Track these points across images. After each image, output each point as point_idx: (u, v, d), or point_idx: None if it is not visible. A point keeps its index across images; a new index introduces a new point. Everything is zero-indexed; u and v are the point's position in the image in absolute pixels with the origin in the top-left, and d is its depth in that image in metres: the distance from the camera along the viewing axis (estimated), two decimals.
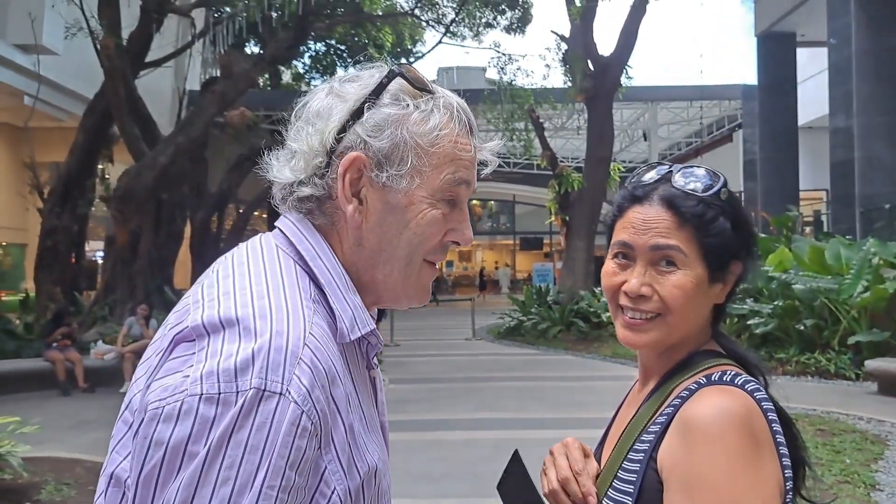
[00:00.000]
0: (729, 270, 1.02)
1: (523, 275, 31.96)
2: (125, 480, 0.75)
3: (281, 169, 0.88)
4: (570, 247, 15.54)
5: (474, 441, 6.19)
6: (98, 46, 11.64)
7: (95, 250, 21.27)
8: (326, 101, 0.88)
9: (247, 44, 16.78)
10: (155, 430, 0.69)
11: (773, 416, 0.91)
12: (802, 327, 9.34)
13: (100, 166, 14.44)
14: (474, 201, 32.63)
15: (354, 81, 0.89)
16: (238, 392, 0.68)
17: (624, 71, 15.65)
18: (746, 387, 0.93)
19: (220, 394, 0.68)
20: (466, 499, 4.74)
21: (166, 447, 0.68)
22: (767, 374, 1.03)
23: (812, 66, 21.04)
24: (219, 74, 12.75)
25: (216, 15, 14.14)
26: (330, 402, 0.74)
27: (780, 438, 0.90)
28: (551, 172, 16.23)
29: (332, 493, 0.74)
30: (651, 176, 1.05)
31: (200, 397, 0.68)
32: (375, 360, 0.94)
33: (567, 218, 15.66)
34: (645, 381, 1.08)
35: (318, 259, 0.85)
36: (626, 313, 1.01)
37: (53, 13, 13.96)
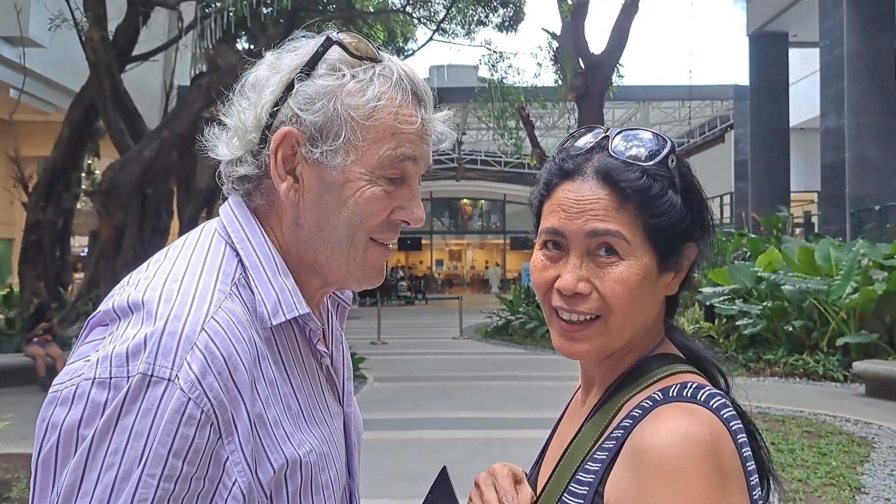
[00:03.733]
0: (682, 255, 0.85)
1: (514, 274, 31.92)
2: None
3: (220, 147, 0.85)
4: None
5: (455, 441, 6.11)
6: (83, 39, 11.50)
7: (82, 246, 21.08)
8: (263, 73, 0.84)
9: (237, 39, 16.64)
10: (52, 413, 0.68)
11: (742, 437, 0.77)
12: (791, 328, 9.32)
13: (86, 161, 14.30)
14: (464, 200, 32.61)
15: (293, 52, 0.85)
16: (128, 377, 0.67)
17: (615, 69, 15.60)
18: (711, 403, 0.77)
19: (111, 378, 0.67)
20: None
21: (60, 430, 0.67)
22: (728, 375, 0.89)
23: (804, 68, 21.06)
24: (206, 69, 12.62)
25: (205, 9, 13.99)
26: (230, 390, 0.71)
27: (751, 465, 0.76)
28: None
29: (234, 485, 0.71)
30: (585, 142, 0.87)
31: (93, 381, 0.67)
32: (323, 347, 0.88)
33: None
34: (587, 392, 0.92)
35: (246, 241, 0.82)
36: (562, 316, 0.84)
37: (39, 5, 13.79)
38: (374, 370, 9.54)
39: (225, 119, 0.85)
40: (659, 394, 0.80)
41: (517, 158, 20.86)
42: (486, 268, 34.79)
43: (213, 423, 0.69)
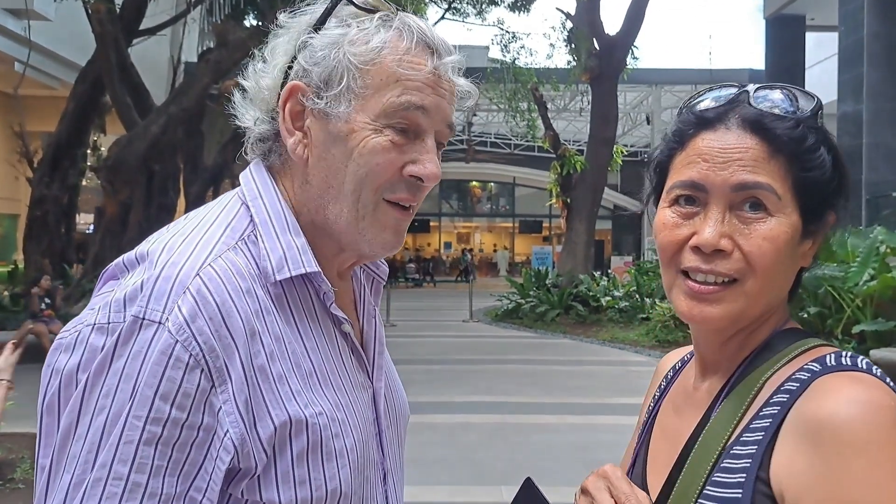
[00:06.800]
0: (823, 221, 0.78)
1: (522, 258, 31.79)
2: None
3: (244, 114, 0.86)
4: (570, 229, 15.33)
5: (469, 425, 6.00)
6: (89, 11, 11.32)
7: (88, 224, 21.01)
8: (281, 37, 0.85)
9: (246, 15, 16.44)
10: (56, 359, 0.69)
11: None
12: (806, 315, 9.18)
13: (92, 136, 14.17)
14: (473, 182, 32.41)
15: (306, 14, 0.85)
16: (123, 321, 0.68)
17: (630, 51, 15.36)
18: (875, 371, 0.70)
19: (108, 323, 0.68)
20: (459, 486, 4.54)
21: (61, 375, 0.68)
22: None
23: (819, 52, 20.75)
24: (214, 45, 12.43)
25: None
26: (223, 336, 0.70)
27: None
28: (552, 155, 15.99)
29: (225, 435, 0.69)
30: (723, 94, 0.78)
31: (93, 327, 0.68)
32: (339, 311, 0.84)
33: (568, 200, 15.44)
34: (705, 375, 0.83)
35: (259, 199, 0.82)
36: (694, 277, 0.75)
37: None
38: None
39: (244, 83, 0.86)
40: (815, 364, 0.72)
41: (529, 141, 20.66)
42: (495, 251, 34.66)
43: (203, 369, 0.68)
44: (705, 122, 0.77)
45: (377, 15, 0.82)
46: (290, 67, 0.82)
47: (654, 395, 0.94)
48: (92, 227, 17.32)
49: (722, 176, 0.74)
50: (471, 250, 32.85)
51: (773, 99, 0.76)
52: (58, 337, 0.71)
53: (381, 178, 0.80)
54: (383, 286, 1.00)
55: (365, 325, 0.92)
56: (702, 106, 0.79)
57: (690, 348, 0.91)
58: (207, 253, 0.74)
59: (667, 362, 0.98)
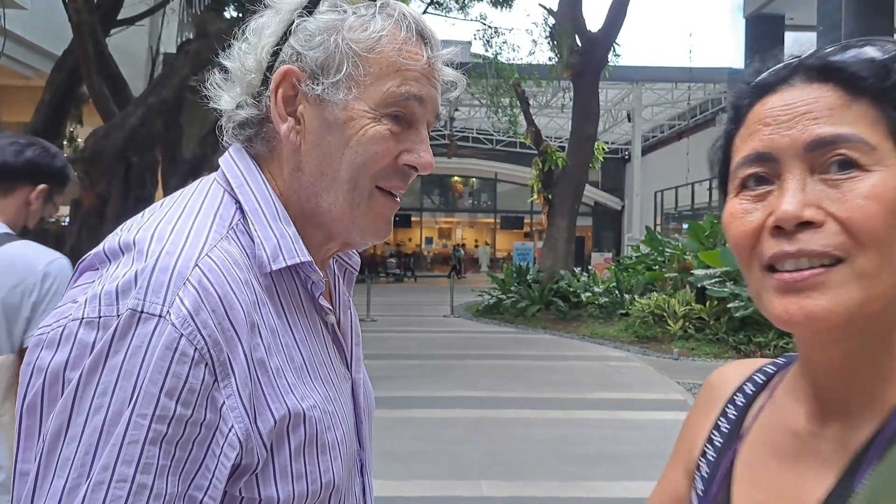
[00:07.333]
0: None
1: (503, 254, 31.85)
2: None
3: (222, 97, 0.83)
4: (551, 225, 15.38)
5: (450, 420, 6.01)
6: (66, 0, 11.13)
7: (64, 216, 20.70)
8: (265, 16, 0.82)
9: (226, 7, 16.28)
10: (37, 356, 0.65)
11: None
12: None
13: (69, 127, 13.96)
14: (455, 178, 32.39)
15: None
16: (118, 315, 0.64)
17: (612, 48, 15.42)
18: None
19: (100, 317, 0.64)
20: (438, 480, 4.54)
21: (45, 374, 0.64)
22: None
23: (797, 52, 20.97)
24: (193, 36, 12.29)
25: None
26: (226, 329, 0.67)
27: None
28: (534, 151, 16.02)
29: (230, 431, 0.67)
30: (785, 58, 0.64)
31: (81, 321, 0.65)
32: (326, 302, 0.84)
33: (549, 196, 15.48)
34: (826, 415, 0.61)
35: (246, 186, 0.80)
36: (784, 266, 0.56)
37: None
38: (365, 347, 9.16)
39: (226, 63, 0.83)
40: None
41: (511, 137, 20.70)
42: (476, 246, 34.71)
43: (207, 364, 0.66)
44: (764, 87, 0.63)
45: (371, 3, 0.81)
46: (277, 49, 0.80)
47: (719, 423, 0.72)
48: (68, 219, 17.05)
49: (790, 136, 0.58)
50: (463, 246, 32.89)
51: (846, 52, 0.61)
52: (38, 332, 0.67)
53: (377, 166, 0.80)
54: (356, 277, 1.00)
55: (341, 316, 0.92)
56: (759, 77, 0.65)
57: (753, 364, 0.76)
58: (203, 242, 0.71)
59: (725, 381, 0.77)
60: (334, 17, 0.80)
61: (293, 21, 0.80)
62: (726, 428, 0.70)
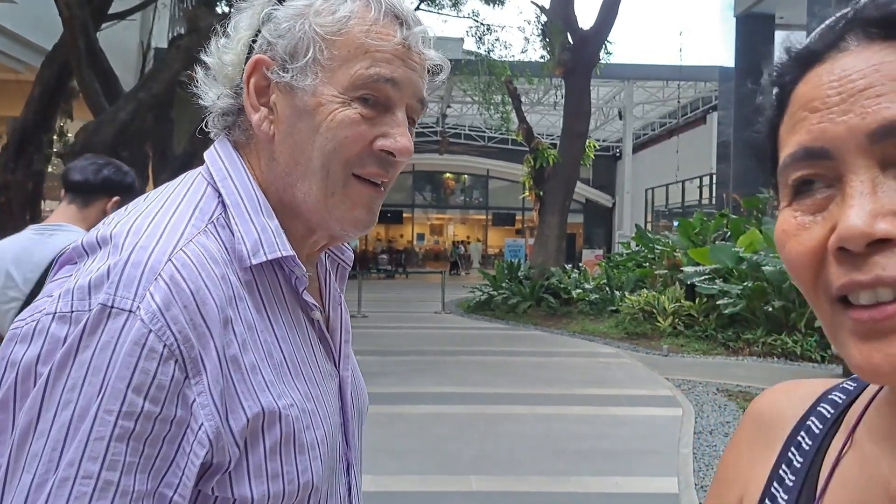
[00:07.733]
0: None
1: (495, 250, 31.89)
2: None
3: (206, 91, 0.84)
4: (542, 222, 15.43)
5: (441, 416, 6.03)
6: None
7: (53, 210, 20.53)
8: (244, 11, 0.83)
9: (217, 2, 16.22)
10: (11, 351, 0.64)
11: None
12: (770, 309, 9.38)
13: (59, 122, 13.87)
14: (447, 174, 32.39)
15: None
16: (89, 310, 0.63)
17: (604, 46, 15.46)
18: None
19: (72, 312, 0.64)
20: (430, 475, 4.57)
21: (18, 368, 0.63)
22: None
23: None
24: (185, 30, 12.24)
25: None
26: (198, 325, 0.66)
27: None
28: (526, 148, 16.05)
29: (200, 428, 0.66)
30: (828, 22, 0.49)
31: (54, 316, 0.64)
32: (310, 298, 0.82)
33: (541, 193, 15.53)
34: None
35: (229, 179, 0.79)
36: (859, 300, 0.43)
37: None
38: (356, 343, 9.20)
39: (207, 59, 0.83)
40: None
41: (502, 133, 20.71)
42: (468, 243, 34.71)
43: (177, 360, 0.65)
44: (807, 56, 0.48)
45: None
46: (254, 41, 0.80)
47: (783, 474, 0.56)
48: None
49: (845, 122, 0.44)
50: (462, 242, 32.87)
51: None
52: (13, 326, 0.66)
53: (349, 151, 0.77)
54: (349, 273, 0.98)
55: (331, 313, 0.90)
56: (804, 44, 0.51)
57: (809, 389, 0.62)
58: (178, 236, 0.70)
59: (778, 414, 0.62)
60: (303, 4, 0.79)
61: (269, 13, 0.80)
62: (791, 480, 0.55)
